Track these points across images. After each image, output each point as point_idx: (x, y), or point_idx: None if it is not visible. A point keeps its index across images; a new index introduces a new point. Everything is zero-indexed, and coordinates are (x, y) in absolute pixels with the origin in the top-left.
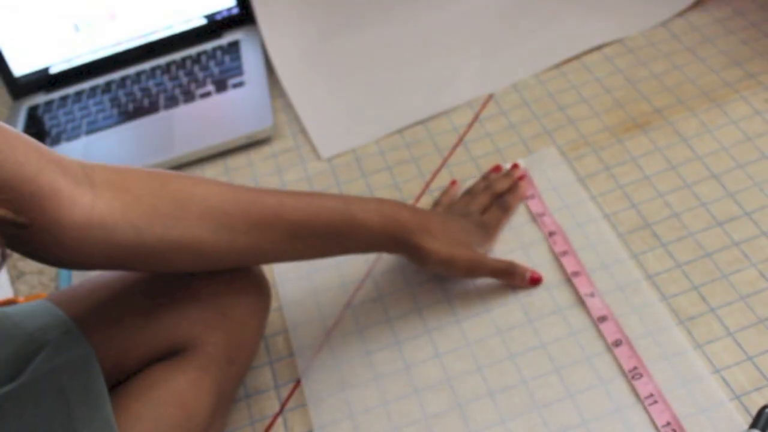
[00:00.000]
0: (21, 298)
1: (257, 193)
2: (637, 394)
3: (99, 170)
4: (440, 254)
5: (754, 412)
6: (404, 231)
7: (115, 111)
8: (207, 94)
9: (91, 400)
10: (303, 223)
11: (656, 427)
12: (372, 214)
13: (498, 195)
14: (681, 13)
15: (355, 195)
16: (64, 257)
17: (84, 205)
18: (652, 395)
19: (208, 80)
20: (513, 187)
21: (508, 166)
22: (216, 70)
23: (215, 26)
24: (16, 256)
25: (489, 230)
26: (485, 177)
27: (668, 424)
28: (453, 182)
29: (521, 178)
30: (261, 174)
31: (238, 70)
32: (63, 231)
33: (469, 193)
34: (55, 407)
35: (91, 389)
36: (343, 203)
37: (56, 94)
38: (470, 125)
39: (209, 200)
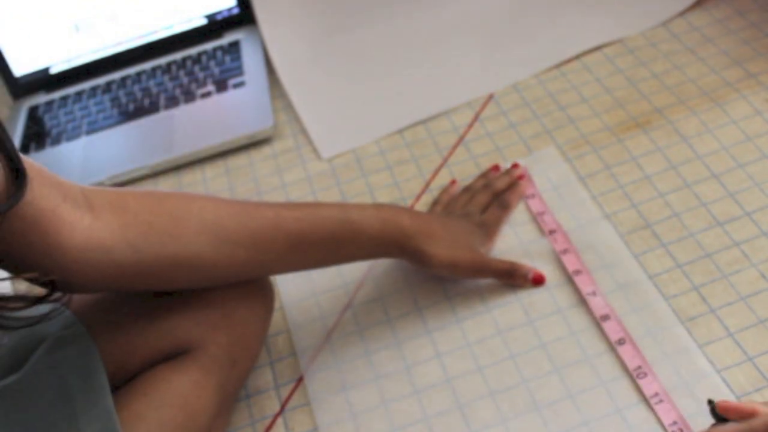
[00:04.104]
0: None
1: (254, 206)
2: (640, 394)
3: (98, 193)
4: (443, 258)
5: None
6: (405, 236)
7: (115, 111)
8: (207, 94)
9: (93, 393)
10: (302, 233)
11: (663, 427)
12: (371, 220)
13: (497, 193)
14: (681, 13)
15: (354, 202)
16: (66, 280)
17: (83, 228)
18: (657, 394)
19: (209, 80)
20: (512, 185)
21: (508, 165)
22: (216, 70)
23: (215, 26)
24: None
25: (489, 230)
26: (484, 175)
27: (675, 423)
28: (453, 181)
29: (521, 177)
30: (261, 174)
31: (238, 70)
32: (64, 254)
33: (468, 190)
34: (56, 399)
35: (93, 382)
36: (342, 211)
37: (56, 94)
38: (470, 125)
39: (206, 215)
